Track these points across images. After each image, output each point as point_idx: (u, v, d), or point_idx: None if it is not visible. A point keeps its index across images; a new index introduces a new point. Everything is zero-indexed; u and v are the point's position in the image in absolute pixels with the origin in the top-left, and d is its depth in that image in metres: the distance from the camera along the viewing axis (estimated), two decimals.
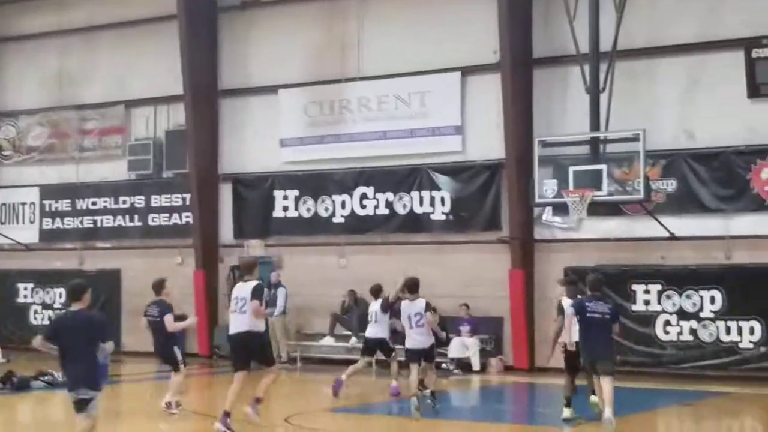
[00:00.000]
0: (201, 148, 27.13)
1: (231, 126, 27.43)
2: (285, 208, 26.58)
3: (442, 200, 24.42)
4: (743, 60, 20.96)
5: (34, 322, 28.92)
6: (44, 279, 29.20)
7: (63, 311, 12.24)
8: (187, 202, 27.54)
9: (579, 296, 15.62)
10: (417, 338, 16.53)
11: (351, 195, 25.63)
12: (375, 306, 18.89)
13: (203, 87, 27.10)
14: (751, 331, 20.97)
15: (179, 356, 16.52)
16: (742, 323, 21.10)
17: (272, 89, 26.68)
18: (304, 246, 26.31)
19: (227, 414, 14.00)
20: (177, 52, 26.82)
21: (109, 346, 11.34)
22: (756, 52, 20.81)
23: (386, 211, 25.16)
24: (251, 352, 14.48)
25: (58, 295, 28.52)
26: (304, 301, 24.37)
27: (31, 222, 30.12)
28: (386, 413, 17.90)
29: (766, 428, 16.58)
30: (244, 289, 14.42)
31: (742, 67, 20.97)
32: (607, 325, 14.86)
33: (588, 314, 14.68)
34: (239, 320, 14.36)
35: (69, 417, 12.07)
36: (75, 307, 11.22)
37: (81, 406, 10.99)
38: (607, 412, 14.30)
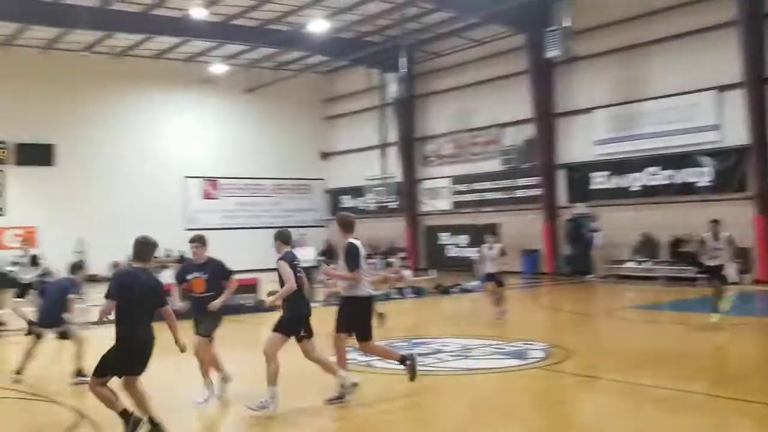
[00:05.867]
0: None
1: None
2: None
3: None
4: None
5: (448, 255, 43.73)
6: (455, 230, 43.87)
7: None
8: None
9: None
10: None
11: None
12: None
13: None
14: None
15: None
16: None
17: None
18: None
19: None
20: None
21: None
22: None
23: None
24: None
25: (462, 239, 43.30)
26: None
27: (445, 197, 44.57)
28: None
29: None
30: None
31: None
32: None
33: None
34: None
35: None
36: None
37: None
38: None
